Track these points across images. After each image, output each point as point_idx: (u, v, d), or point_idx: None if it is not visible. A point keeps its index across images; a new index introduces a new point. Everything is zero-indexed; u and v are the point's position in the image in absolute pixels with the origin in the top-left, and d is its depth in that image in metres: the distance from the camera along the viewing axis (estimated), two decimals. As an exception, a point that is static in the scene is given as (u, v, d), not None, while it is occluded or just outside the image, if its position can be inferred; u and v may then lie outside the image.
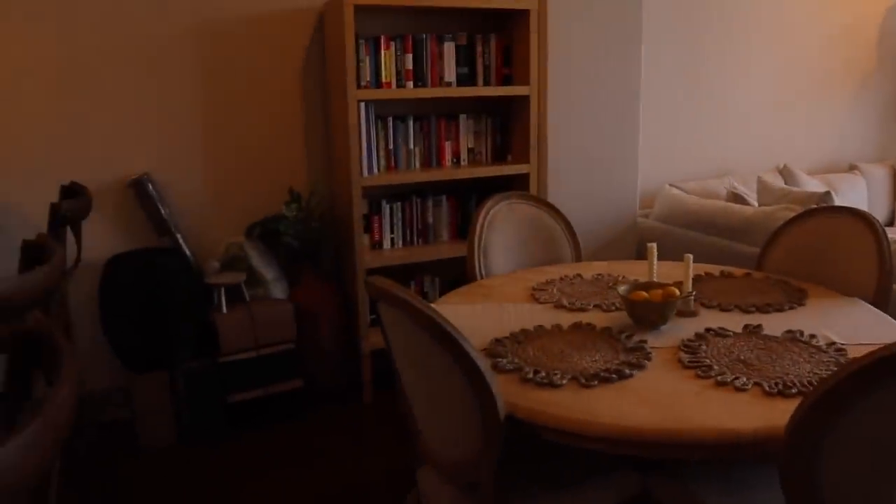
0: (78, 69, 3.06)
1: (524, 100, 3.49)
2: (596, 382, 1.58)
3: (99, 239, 3.19)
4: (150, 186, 3.14)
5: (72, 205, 2.36)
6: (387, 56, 3.26)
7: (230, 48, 3.28)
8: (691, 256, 2.01)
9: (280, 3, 3.32)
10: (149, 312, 2.91)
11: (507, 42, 3.52)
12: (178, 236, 3.18)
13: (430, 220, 3.55)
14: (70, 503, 2.58)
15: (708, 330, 1.86)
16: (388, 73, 3.28)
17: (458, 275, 3.81)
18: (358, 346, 3.42)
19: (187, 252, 3.20)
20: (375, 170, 3.36)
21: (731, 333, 1.84)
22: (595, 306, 2.11)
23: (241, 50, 3.30)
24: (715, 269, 2.48)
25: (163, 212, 3.15)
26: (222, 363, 3.09)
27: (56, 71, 3.03)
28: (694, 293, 2.04)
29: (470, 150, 3.58)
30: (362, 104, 3.22)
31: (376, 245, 3.46)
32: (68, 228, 2.51)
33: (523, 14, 3.41)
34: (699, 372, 1.61)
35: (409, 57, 3.31)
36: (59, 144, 3.08)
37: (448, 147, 3.53)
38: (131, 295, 2.90)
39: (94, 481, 2.79)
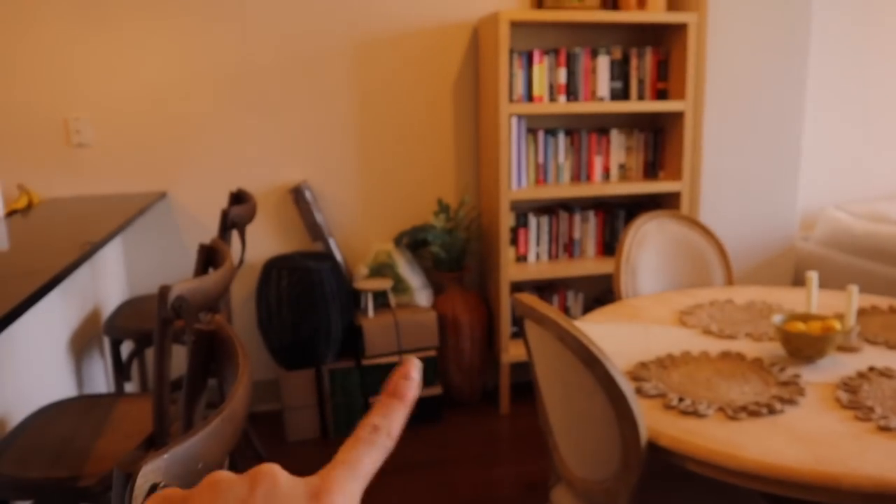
0: (245, 84, 3.28)
1: (679, 115, 3.41)
2: (744, 415, 1.53)
3: (259, 242, 3.40)
4: (308, 193, 3.31)
5: (239, 210, 2.54)
6: (539, 70, 3.28)
7: (385, 62, 3.41)
8: (856, 287, 1.90)
9: (435, 18, 3.41)
10: (300, 313, 3.07)
11: (662, 56, 3.45)
12: (331, 241, 3.34)
13: (577, 235, 3.53)
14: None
15: (871, 369, 1.75)
16: (540, 87, 3.30)
17: (602, 291, 3.77)
18: (497, 357, 3.45)
19: (339, 257, 3.35)
20: (524, 183, 3.38)
21: (898, 373, 1.72)
22: (746, 335, 2.03)
23: (396, 64, 3.42)
24: (883, 303, 2.32)
25: (317, 218, 3.31)
26: (366, 365, 3.21)
27: (226, 86, 3.26)
28: (857, 327, 1.92)
29: (621, 166, 3.54)
30: (514, 118, 3.26)
31: (521, 258, 3.48)
32: (234, 232, 2.69)
33: (681, 28, 3.33)
34: (859, 414, 1.52)
35: (562, 71, 3.31)
36: (229, 154, 3.31)
37: (598, 162, 3.50)
38: (285, 295, 3.08)
39: (246, 468, 2.97)
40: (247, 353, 0.97)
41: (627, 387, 1.42)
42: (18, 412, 2.06)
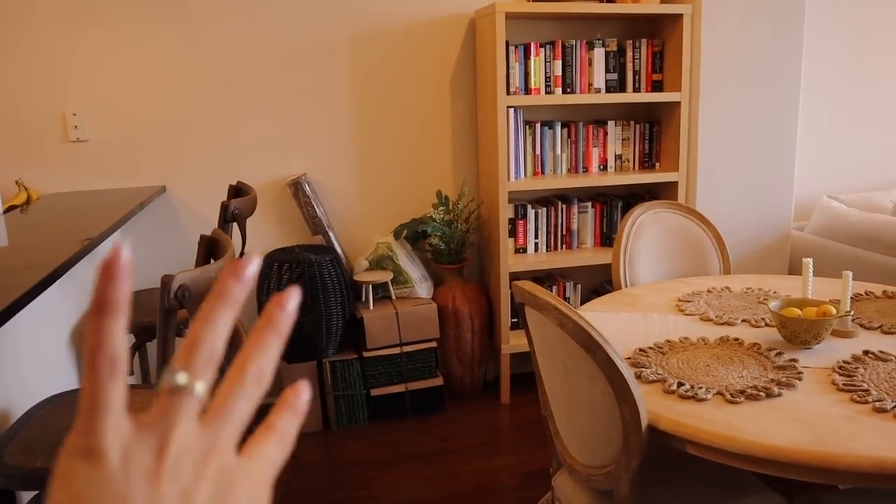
0: (244, 78, 3.28)
1: (674, 106, 3.43)
2: (742, 399, 1.55)
3: (259, 235, 3.42)
4: (308, 187, 3.32)
5: (239, 203, 2.55)
6: (536, 62, 3.30)
7: (383, 56, 3.42)
8: (850, 273, 1.92)
9: (433, 11, 3.42)
10: (301, 306, 3.09)
11: (657, 47, 3.46)
12: (331, 234, 3.35)
13: (575, 226, 3.55)
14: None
15: (866, 352, 1.77)
16: (537, 79, 3.31)
17: (600, 282, 3.79)
18: (497, 348, 3.47)
19: (339, 250, 3.36)
20: (522, 175, 3.40)
21: (893, 357, 1.74)
22: (743, 321, 2.05)
23: (394, 57, 3.43)
24: (877, 289, 2.35)
25: (318, 211, 3.32)
26: (367, 357, 3.22)
27: (225, 80, 3.27)
28: (852, 313, 1.94)
29: (617, 157, 3.55)
30: (511, 110, 3.27)
31: (520, 249, 3.50)
32: (235, 224, 2.70)
33: (676, 18, 3.34)
34: (855, 396, 1.54)
35: (559, 63, 3.33)
36: (228, 148, 3.32)
37: (595, 153, 3.52)
38: (286, 288, 3.09)
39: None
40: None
41: (628, 371, 1.44)
42: (21, 404, 2.08)
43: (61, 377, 2.42)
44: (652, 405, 1.53)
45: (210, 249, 1.86)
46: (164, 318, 1.48)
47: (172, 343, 1.54)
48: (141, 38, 3.17)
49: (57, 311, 2.44)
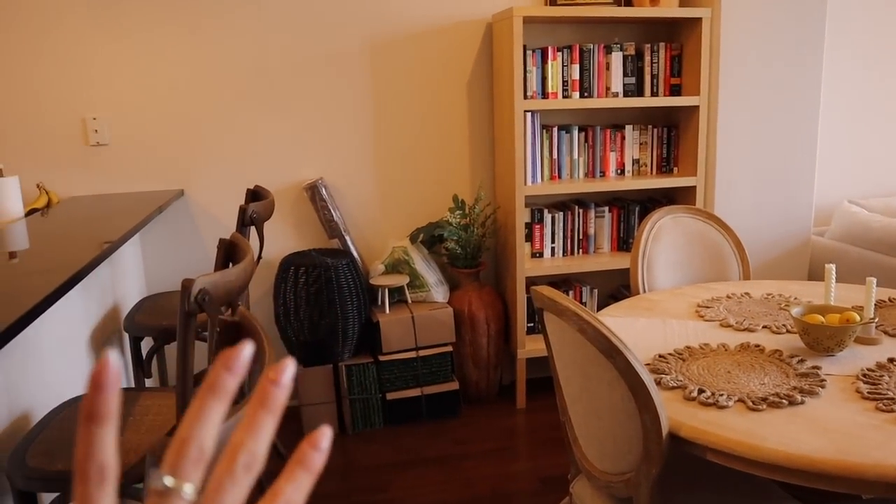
0: (261, 83, 3.30)
1: (693, 110, 3.41)
2: (764, 406, 1.53)
3: (275, 239, 3.42)
4: (324, 191, 3.32)
5: (257, 207, 2.55)
6: (553, 66, 3.29)
7: (400, 60, 3.42)
8: (874, 280, 1.90)
9: (450, 15, 3.42)
10: (318, 309, 3.09)
11: (676, 51, 3.45)
12: (348, 238, 3.35)
13: (592, 230, 3.54)
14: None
15: (891, 360, 1.75)
16: (554, 83, 3.30)
17: (617, 287, 3.77)
18: (513, 353, 3.46)
19: (355, 254, 3.36)
20: (539, 179, 3.39)
21: (918, 365, 1.72)
22: (764, 327, 2.03)
23: (411, 62, 3.43)
24: (900, 295, 2.32)
25: (334, 215, 3.33)
26: (383, 361, 3.22)
27: (242, 85, 3.28)
28: (876, 319, 1.92)
29: (635, 162, 3.54)
30: (528, 114, 3.27)
31: (537, 254, 3.49)
32: (253, 228, 2.71)
33: (695, 22, 3.33)
34: (881, 405, 1.52)
35: (576, 67, 3.32)
36: (246, 152, 3.34)
37: (612, 158, 3.50)
38: (303, 292, 3.09)
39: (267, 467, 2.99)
40: (271, 342, 0.98)
41: (648, 377, 1.43)
42: (42, 407, 2.09)
43: (81, 381, 2.44)
44: (672, 412, 1.52)
45: (229, 253, 1.87)
46: (184, 322, 1.48)
47: (192, 346, 1.54)
48: (160, 43, 3.19)
49: (77, 314, 2.46)
